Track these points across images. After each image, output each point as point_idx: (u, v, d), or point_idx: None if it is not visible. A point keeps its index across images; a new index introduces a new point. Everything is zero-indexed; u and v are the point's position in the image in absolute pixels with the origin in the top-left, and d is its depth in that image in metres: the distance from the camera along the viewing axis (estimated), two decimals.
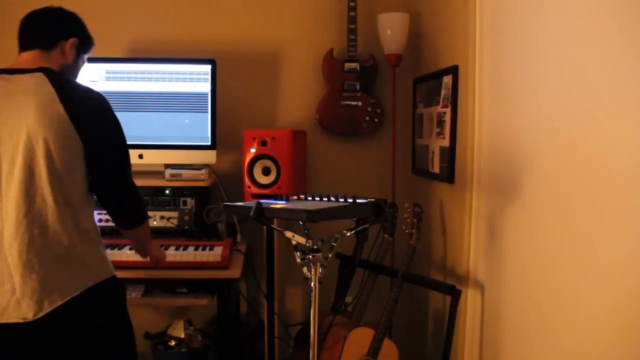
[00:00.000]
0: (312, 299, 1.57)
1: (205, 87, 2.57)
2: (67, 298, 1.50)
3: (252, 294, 2.81)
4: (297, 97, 2.88)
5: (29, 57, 1.60)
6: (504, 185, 1.85)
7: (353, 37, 2.74)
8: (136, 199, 1.73)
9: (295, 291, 2.84)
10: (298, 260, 1.57)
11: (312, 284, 1.56)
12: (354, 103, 2.78)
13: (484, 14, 2.01)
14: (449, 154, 2.24)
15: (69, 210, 1.53)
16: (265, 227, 2.62)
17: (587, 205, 1.38)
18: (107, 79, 2.57)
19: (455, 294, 2.02)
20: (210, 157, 2.57)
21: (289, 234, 1.60)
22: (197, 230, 2.48)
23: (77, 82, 1.65)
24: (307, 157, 2.74)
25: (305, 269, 1.57)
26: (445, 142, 2.28)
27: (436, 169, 2.41)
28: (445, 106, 2.29)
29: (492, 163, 1.96)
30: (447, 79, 2.26)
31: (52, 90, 1.50)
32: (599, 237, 1.34)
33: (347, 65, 2.76)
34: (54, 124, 1.47)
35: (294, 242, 1.58)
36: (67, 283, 1.51)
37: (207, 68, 2.57)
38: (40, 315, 1.47)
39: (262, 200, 1.66)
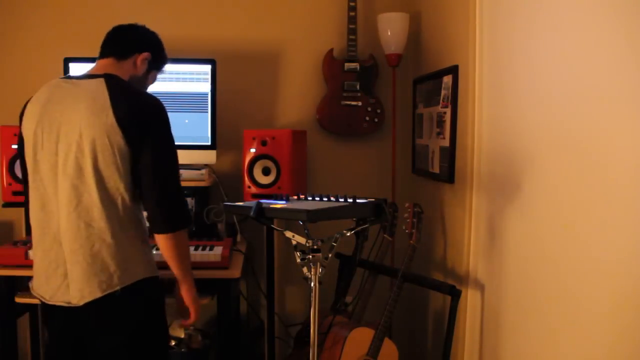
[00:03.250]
0: (312, 299, 1.57)
1: (205, 87, 2.57)
2: (107, 292, 1.58)
3: (252, 294, 2.81)
4: (297, 97, 2.88)
5: (102, 64, 1.72)
6: (504, 185, 1.85)
7: (353, 37, 2.74)
8: (177, 204, 1.66)
9: (295, 291, 2.83)
10: (298, 260, 1.57)
11: (312, 284, 1.56)
12: (354, 103, 2.78)
13: (484, 14, 2.01)
14: (449, 154, 2.24)
15: (114, 209, 1.59)
16: (265, 227, 2.62)
17: (588, 205, 1.38)
18: None
19: (455, 294, 2.02)
20: (210, 157, 2.57)
21: (289, 234, 1.60)
22: (197, 230, 2.48)
23: (134, 88, 1.67)
24: (307, 157, 2.74)
25: (305, 269, 1.57)
26: (445, 142, 2.27)
27: (436, 169, 2.41)
28: (445, 106, 2.29)
29: (492, 163, 1.96)
30: (447, 79, 2.26)
31: (106, 94, 1.58)
32: (599, 237, 1.34)
33: (347, 65, 2.76)
34: (101, 126, 1.55)
35: (294, 242, 1.58)
36: (108, 278, 1.59)
37: (207, 68, 2.57)
38: (82, 303, 1.58)
39: (262, 200, 1.66)
